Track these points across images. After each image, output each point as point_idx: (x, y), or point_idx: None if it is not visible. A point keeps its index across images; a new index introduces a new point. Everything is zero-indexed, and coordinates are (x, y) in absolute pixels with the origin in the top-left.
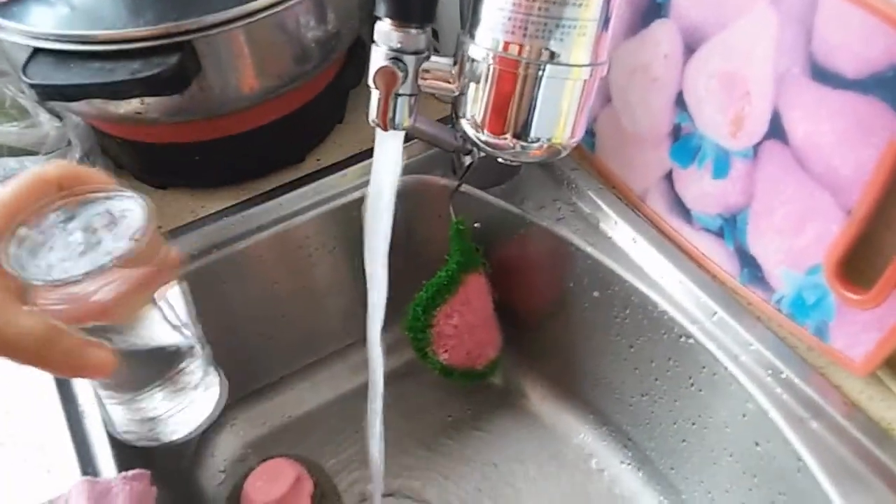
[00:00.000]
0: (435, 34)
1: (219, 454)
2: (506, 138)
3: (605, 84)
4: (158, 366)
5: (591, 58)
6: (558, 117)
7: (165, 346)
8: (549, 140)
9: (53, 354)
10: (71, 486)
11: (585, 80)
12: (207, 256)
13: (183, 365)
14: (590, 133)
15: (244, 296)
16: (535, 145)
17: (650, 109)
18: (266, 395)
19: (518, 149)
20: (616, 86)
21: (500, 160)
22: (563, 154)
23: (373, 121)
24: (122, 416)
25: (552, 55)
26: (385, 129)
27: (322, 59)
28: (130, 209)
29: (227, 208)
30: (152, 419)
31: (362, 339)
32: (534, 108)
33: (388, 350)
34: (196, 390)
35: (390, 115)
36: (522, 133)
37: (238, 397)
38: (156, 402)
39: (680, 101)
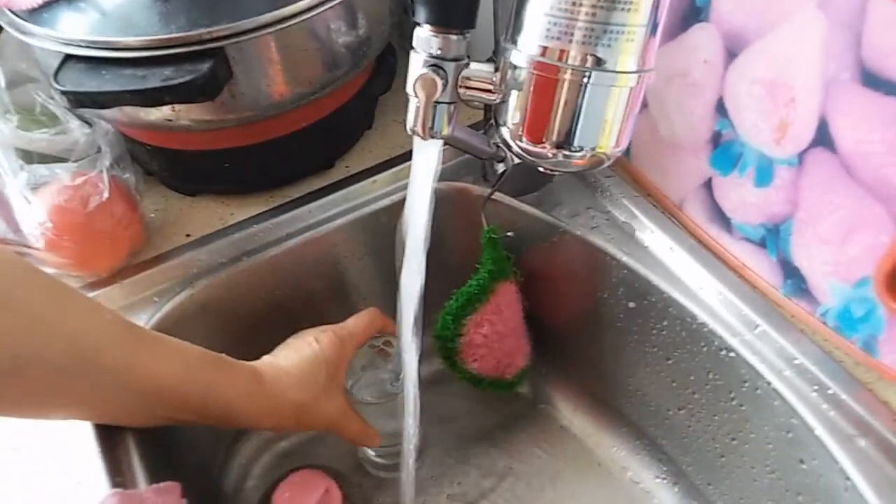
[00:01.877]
0: None
1: (248, 464)
2: (548, 147)
3: None
4: None
5: (639, 64)
6: (603, 126)
7: None
8: (592, 149)
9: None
10: (102, 499)
11: (632, 88)
12: (237, 264)
13: None
14: None
15: (274, 303)
16: (579, 154)
17: (689, 116)
18: None
19: (561, 158)
20: (653, 91)
21: (540, 169)
22: (607, 164)
23: (411, 129)
24: None
25: (598, 61)
26: (424, 137)
27: (352, 65)
28: None
29: (256, 215)
30: None
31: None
32: (578, 117)
33: (422, 356)
34: None
35: (429, 123)
36: (566, 142)
37: None
38: None
39: (720, 108)
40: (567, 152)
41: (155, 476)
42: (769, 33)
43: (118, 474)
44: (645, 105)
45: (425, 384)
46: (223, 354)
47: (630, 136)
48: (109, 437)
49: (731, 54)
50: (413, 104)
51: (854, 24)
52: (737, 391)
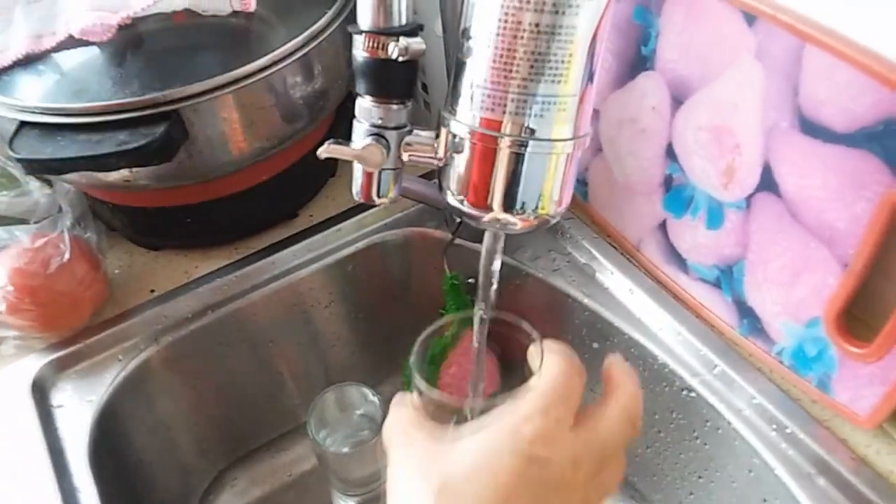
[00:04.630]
0: (424, 87)
1: None
2: (491, 212)
3: (595, 134)
4: None
5: (573, 132)
6: (544, 189)
7: None
8: (535, 210)
9: None
10: None
11: (569, 154)
12: (203, 318)
13: None
14: (582, 182)
15: (241, 355)
16: (522, 216)
17: (640, 160)
18: (268, 453)
19: (505, 221)
20: (606, 136)
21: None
22: (553, 221)
23: (356, 194)
24: None
25: (532, 132)
26: (369, 202)
27: (312, 118)
28: None
29: (221, 268)
30: None
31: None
32: (518, 183)
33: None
34: None
35: (374, 189)
36: (508, 206)
37: (239, 456)
38: None
39: (670, 152)
40: (511, 216)
41: None
42: (712, 82)
43: None
44: (599, 149)
45: None
46: None
47: (571, 192)
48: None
49: (678, 101)
50: (357, 171)
51: (791, 73)
52: (700, 430)
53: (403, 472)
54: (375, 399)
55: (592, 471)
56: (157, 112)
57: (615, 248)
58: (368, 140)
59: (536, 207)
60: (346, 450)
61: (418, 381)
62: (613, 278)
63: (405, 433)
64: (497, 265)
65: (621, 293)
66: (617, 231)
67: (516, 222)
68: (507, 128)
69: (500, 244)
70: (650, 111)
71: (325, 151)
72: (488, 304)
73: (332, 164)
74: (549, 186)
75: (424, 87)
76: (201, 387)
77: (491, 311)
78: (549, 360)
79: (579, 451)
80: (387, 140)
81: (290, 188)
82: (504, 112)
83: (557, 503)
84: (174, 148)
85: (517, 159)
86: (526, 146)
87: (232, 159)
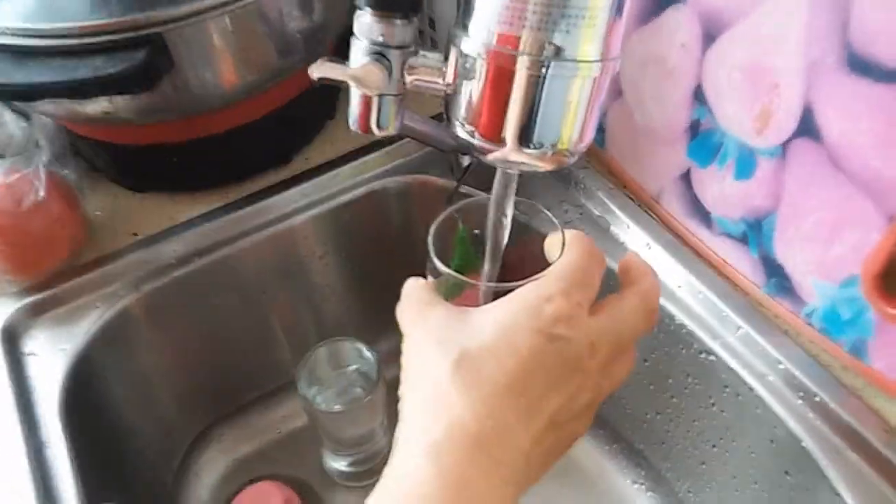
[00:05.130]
0: (431, 23)
1: (204, 474)
2: (504, 145)
3: (616, 76)
4: None
5: (602, 52)
6: (564, 120)
7: None
8: (553, 146)
9: None
10: None
11: (595, 78)
12: (188, 265)
13: None
14: (599, 128)
15: (230, 305)
16: (538, 152)
17: (665, 103)
18: (256, 408)
19: (519, 157)
20: (627, 78)
21: (499, 170)
22: (571, 161)
23: (353, 124)
24: None
25: (557, 50)
26: (367, 133)
27: (308, 51)
28: None
29: (208, 213)
30: None
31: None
32: (536, 111)
33: (388, 358)
34: None
35: (374, 118)
36: (523, 139)
37: (226, 411)
38: None
39: (699, 95)
40: (526, 150)
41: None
42: (750, 15)
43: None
44: (620, 92)
45: (392, 387)
46: None
47: (595, 129)
48: (42, 460)
49: (710, 38)
50: (355, 96)
51: (841, 2)
52: (717, 396)
53: (419, 346)
54: (370, 355)
55: (606, 359)
56: (137, 36)
57: (632, 199)
58: (368, 59)
59: (556, 142)
60: (337, 407)
61: (435, 261)
62: (630, 232)
63: (420, 311)
64: (509, 213)
65: (638, 248)
66: (635, 181)
67: (531, 160)
68: (526, 45)
69: (513, 185)
70: (678, 49)
71: (316, 69)
72: (497, 257)
73: (331, 104)
74: (571, 117)
75: (432, 22)
76: (186, 338)
77: (498, 264)
78: (571, 246)
79: (596, 336)
80: (388, 60)
81: (285, 129)
82: (524, 26)
83: (572, 385)
84: (156, 76)
85: (536, 83)
86: (547, 67)
87: (221, 93)
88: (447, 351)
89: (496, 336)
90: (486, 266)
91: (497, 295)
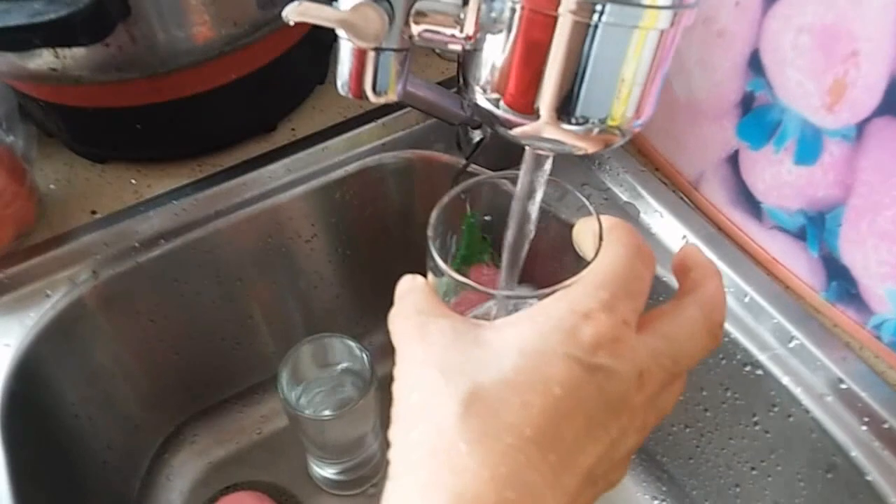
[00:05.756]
0: None
1: (175, 481)
2: (538, 117)
3: None
4: None
5: None
6: (619, 87)
7: None
8: (602, 121)
9: None
10: None
11: (663, 32)
12: (154, 248)
13: None
14: None
15: (203, 294)
16: (581, 128)
17: (713, 72)
18: (234, 407)
19: (556, 133)
20: None
21: (528, 149)
22: (622, 142)
23: (342, 87)
24: None
25: None
26: (360, 98)
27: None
28: None
29: (179, 188)
30: None
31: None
32: (583, 73)
33: (382, 354)
34: None
35: (369, 78)
36: (563, 110)
37: (200, 409)
38: None
39: (754, 63)
40: (566, 125)
41: None
42: None
43: None
44: None
45: (385, 385)
46: None
47: (655, 101)
48: None
49: None
50: (345, 50)
51: None
52: (762, 415)
53: (417, 373)
54: (363, 355)
55: (657, 390)
56: None
57: (666, 184)
58: (362, 1)
59: (605, 118)
60: (325, 412)
61: (436, 259)
62: (663, 222)
63: (418, 325)
64: (536, 204)
65: (672, 240)
66: (670, 163)
67: (571, 136)
68: None
69: (545, 171)
70: (732, 7)
71: (294, 11)
72: (517, 261)
73: (322, 66)
74: (628, 83)
75: None
76: (152, 330)
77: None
78: (611, 240)
79: (647, 363)
80: (389, 2)
81: (268, 93)
82: None
83: (614, 430)
84: (108, 24)
85: (584, 34)
86: (601, 12)
87: (191, 47)
88: (455, 385)
89: (519, 366)
90: (504, 272)
91: (516, 306)
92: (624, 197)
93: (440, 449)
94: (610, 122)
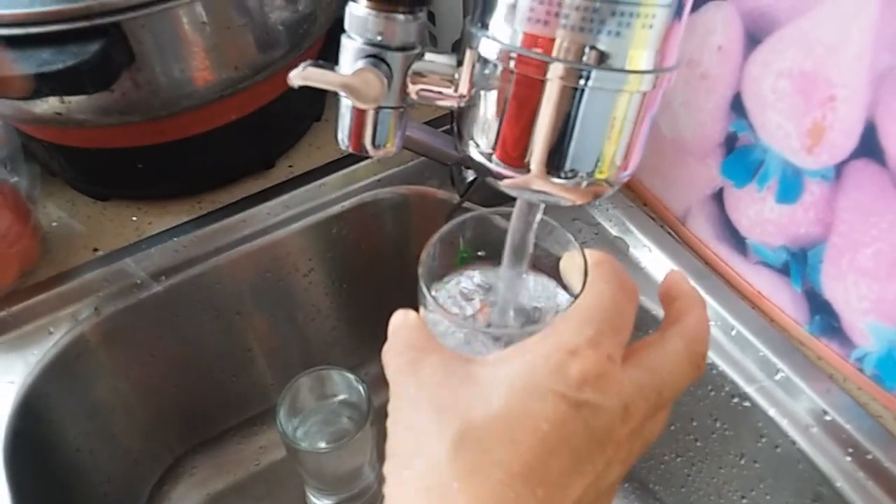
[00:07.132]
0: (431, 17)
1: None
2: (529, 171)
3: None
4: None
5: (656, 61)
6: (605, 143)
7: None
8: (589, 175)
9: None
10: None
11: (646, 93)
12: (156, 285)
13: None
14: None
15: (203, 328)
16: (570, 182)
17: (697, 113)
18: (232, 439)
19: (545, 186)
20: None
21: (521, 200)
22: (609, 193)
23: (343, 141)
24: None
25: (601, 56)
26: (359, 152)
27: (293, 45)
28: None
29: (179, 226)
30: None
31: (347, 370)
32: (571, 132)
33: (379, 384)
34: None
35: (368, 134)
36: (552, 165)
37: (199, 441)
38: None
39: (737, 105)
40: (555, 179)
41: None
42: (804, 15)
43: None
44: None
45: (382, 415)
46: None
47: (640, 154)
48: None
49: (754, 40)
50: (346, 110)
51: None
52: (751, 446)
53: (409, 410)
54: (360, 387)
55: (642, 421)
56: (91, 25)
57: (654, 219)
58: (362, 63)
59: (592, 171)
60: (322, 445)
61: (427, 294)
62: (651, 256)
63: (410, 361)
64: (529, 247)
65: (660, 274)
66: (658, 199)
67: (560, 192)
68: (561, 49)
69: (536, 217)
70: (715, 52)
71: (298, 76)
72: (510, 301)
73: (319, 104)
74: (614, 140)
75: (431, 16)
76: (153, 364)
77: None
78: (596, 276)
79: (631, 397)
80: (388, 65)
81: (266, 132)
82: (559, 25)
83: (600, 463)
84: (114, 72)
85: (573, 96)
86: (587, 78)
87: (192, 91)
88: (446, 422)
89: (508, 403)
90: (495, 311)
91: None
92: (613, 232)
93: (433, 485)
94: (598, 175)
